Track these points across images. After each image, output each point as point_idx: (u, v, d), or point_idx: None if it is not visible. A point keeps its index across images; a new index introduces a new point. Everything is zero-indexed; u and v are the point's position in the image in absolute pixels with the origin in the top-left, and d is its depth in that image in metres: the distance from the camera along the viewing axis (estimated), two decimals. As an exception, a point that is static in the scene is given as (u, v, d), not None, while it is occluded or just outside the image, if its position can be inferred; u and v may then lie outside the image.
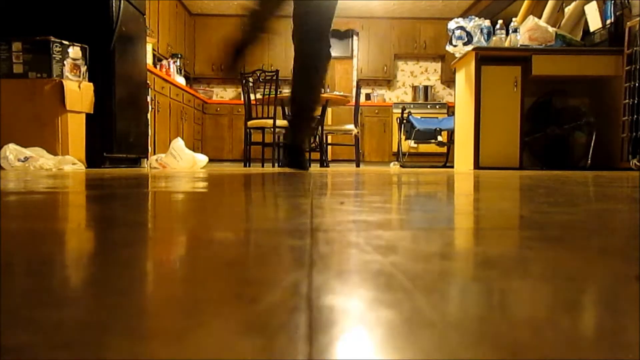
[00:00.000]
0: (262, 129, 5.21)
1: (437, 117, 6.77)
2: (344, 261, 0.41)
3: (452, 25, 4.55)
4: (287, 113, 5.54)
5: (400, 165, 6.08)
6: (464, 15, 6.79)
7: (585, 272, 0.38)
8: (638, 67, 3.82)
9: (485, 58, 4.28)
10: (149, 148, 5.03)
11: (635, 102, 3.83)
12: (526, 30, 4.31)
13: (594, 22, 4.46)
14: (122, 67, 4.27)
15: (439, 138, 5.83)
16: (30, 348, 0.21)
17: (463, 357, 0.21)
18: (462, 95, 4.65)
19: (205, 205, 0.98)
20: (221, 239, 0.53)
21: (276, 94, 4.98)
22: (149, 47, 5.34)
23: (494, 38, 4.44)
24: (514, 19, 4.52)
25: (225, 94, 8.87)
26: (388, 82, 8.89)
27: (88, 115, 3.74)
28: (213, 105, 8.14)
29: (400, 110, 6.24)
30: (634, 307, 0.28)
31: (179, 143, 3.96)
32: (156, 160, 4.00)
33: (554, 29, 4.36)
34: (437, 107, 8.27)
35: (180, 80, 7.01)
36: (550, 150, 4.59)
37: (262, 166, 5.19)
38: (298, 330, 0.23)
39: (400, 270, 0.37)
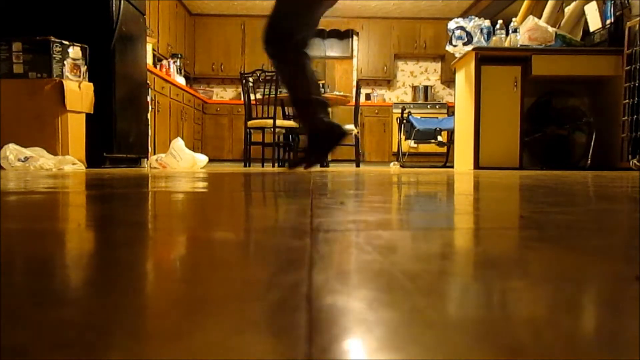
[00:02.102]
0: (262, 129, 5.21)
1: (437, 117, 6.77)
2: (344, 261, 0.41)
3: (452, 25, 4.55)
4: (287, 114, 5.55)
5: (400, 165, 6.08)
6: (464, 15, 6.79)
7: (585, 272, 0.38)
8: (638, 67, 3.82)
9: (485, 58, 4.28)
10: (149, 148, 5.03)
11: (635, 102, 3.82)
12: (526, 30, 4.31)
13: (594, 22, 4.46)
14: (122, 67, 4.27)
15: (439, 138, 5.84)
16: (30, 348, 0.21)
17: (463, 357, 0.21)
18: (462, 95, 4.65)
19: (205, 205, 0.98)
20: (221, 239, 0.53)
21: (276, 94, 4.98)
22: (149, 47, 5.34)
23: (494, 38, 4.44)
24: (513, 19, 4.52)
25: (225, 94, 8.86)
26: (388, 82, 8.88)
27: (88, 115, 3.74)
28: (213, 105, 8.14)
29: (400, 110, 6.24)
30: (634, 307, 0.28)
31: (179, 143, 3.96)
32: (156, 160, 4.00)
33: (554, 29, 4.36)
34: (437, 107, 8.26)
35: (180, 80, 7.01)
36: (550, 150, 4.59)
37: (262, 166, 5.19)
38: (298, 330, 0.23)
39: (400, 270, 0.37)
